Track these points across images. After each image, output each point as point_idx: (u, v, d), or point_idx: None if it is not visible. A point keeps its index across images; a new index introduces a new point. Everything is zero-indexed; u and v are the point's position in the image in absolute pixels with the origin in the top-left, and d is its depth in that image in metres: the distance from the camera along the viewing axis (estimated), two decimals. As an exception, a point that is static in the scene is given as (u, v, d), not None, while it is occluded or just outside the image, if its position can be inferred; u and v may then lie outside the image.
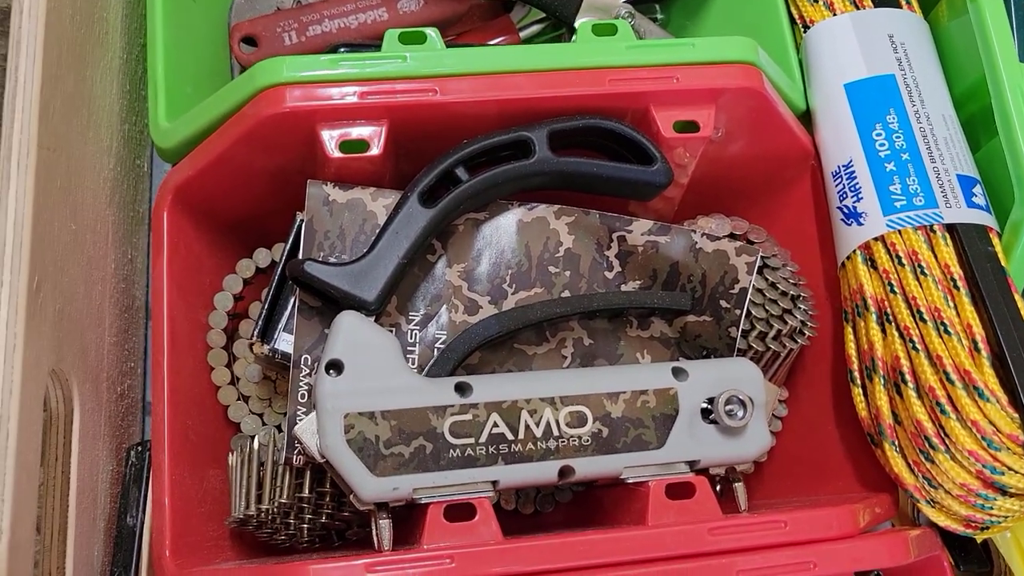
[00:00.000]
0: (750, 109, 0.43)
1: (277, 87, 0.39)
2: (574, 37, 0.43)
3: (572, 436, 0.37)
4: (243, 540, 0.43)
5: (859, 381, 0.43)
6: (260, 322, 0.39)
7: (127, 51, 0.48)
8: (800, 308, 0.44)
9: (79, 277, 0.39)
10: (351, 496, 0.35)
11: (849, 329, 0.44)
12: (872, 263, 0.43)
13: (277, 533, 0.41)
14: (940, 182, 0.43)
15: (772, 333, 0.43)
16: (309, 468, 0.39)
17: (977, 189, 0.44)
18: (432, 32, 0.41)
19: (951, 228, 0.42)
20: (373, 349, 0.36)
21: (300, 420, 0.38)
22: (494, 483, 0.36)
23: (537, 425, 0.37)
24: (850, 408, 0.45)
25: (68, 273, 0.38)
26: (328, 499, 0.40)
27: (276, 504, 0.39)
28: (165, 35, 0.46)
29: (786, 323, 0.44)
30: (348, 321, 0.36)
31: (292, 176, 0.43)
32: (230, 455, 0.42)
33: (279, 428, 0.43)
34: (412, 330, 0.40)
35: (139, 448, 0.42)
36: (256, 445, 0.40)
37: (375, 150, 0.39)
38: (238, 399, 0.43)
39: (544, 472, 0.36)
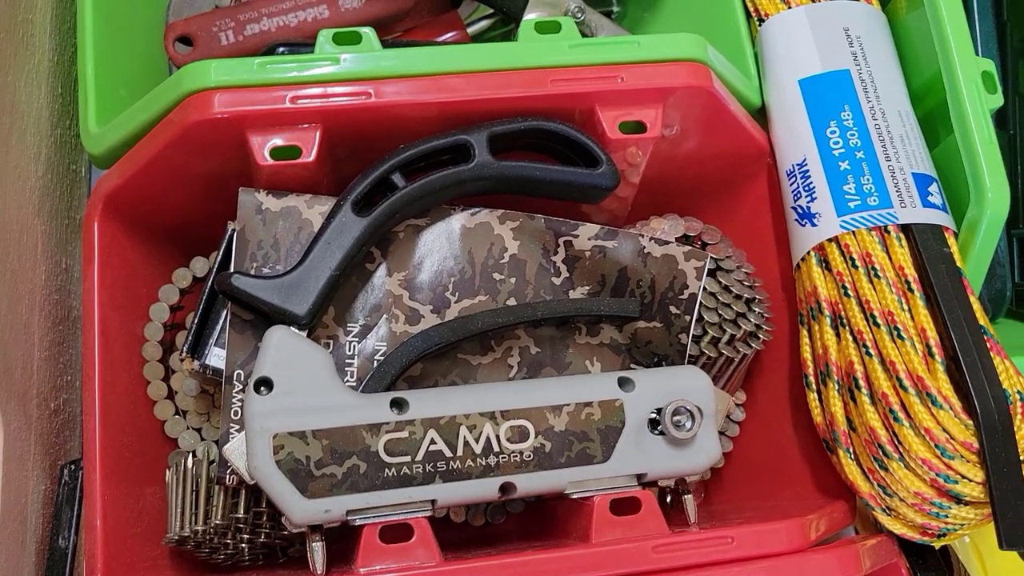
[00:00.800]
0: (700, 107, 0.42)
1: (204, 91, 0.37)
2: (515, 35, 0.42)
3: (513, 452, 0.36)
4: (183, 560, 0.42)
5: (814, 386, 0.42)
6: (190, 337, 0.38)
7: (58, 52, 0.46)
8: (755, 311, 0.43)
9: (1, 294, 0.38)
10: (283, 518, 0.34)
11: (804, 332, 0.43)
12: (826, 265, 0.42)
13: (216, 552, 0.40)
14: (895, 181, 0.42)
15: (725, 338, 0.42)
16: (244, 487, 0.38)
17: (933, 188, 0.42)
18: (368, 32, 0.40)
19: (906, 228, 0.41)
20: (304, 365, 0.35)
21: (232, 439, 0.37)
22: (432, 502, 0.35)
23: (476, 441, 0.35)
24: (808, 412, 0.44)
25: (-11, 290, 0.36)
26: (265, 518, 0.38)
27: (212, 525, 0.38)
28: (96, 35, 0.44)
29: (740, 327, 0.42)
30: (278, 337, 0.35)
31: (228, 181, 0.41)
32: (167, 472, 0.41)
33: (218, 444, 0.42)
34: (351, 342, 0.39)
35: (72, 467, 0.41)
36: (191, 462, 0.39)
37: (308, 156, 0.38)
38: (175, 414, 0.42)
39: (484, 489, 0.35)
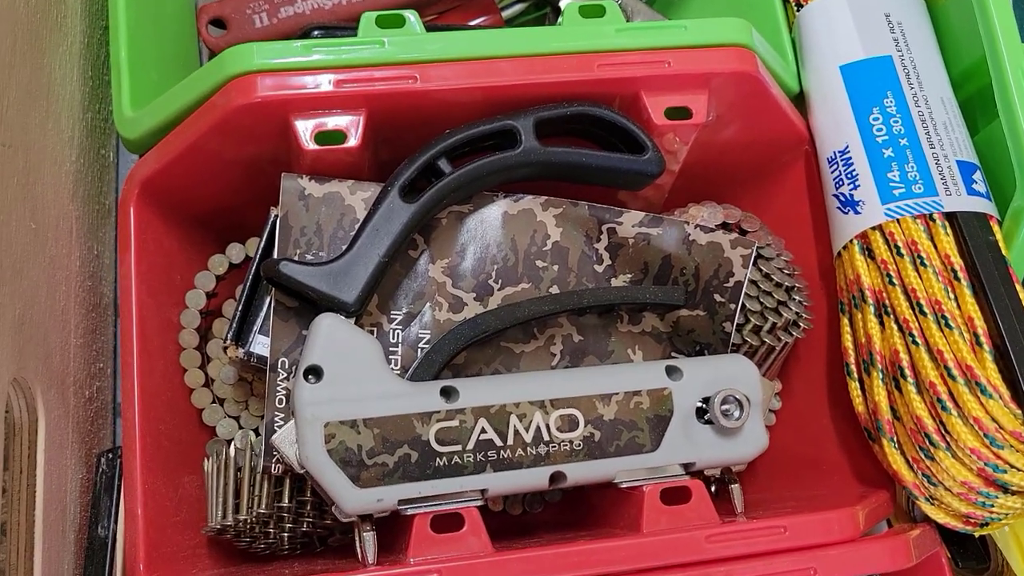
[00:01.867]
0: (744, 93, 0.41)
1: (248, 75, 0.37)
2: (560, 19, 0.41)
3: (563, 441, 0.35)
4: (221, 548, 0.42)
5: (856, 375, 0.42)
6: (234, 324, 0.37)
7: (88, 35, 0.46)
8: (795, 300, 0.43)
9: (41, 279, 0.37)
10: (333, 508, 0.34)
11: (845, 321, 0.43)
12: (870, 253, 0.42)
13: (256, 542, 0.40)
14: (940, 169, 0.42)
15: (767, 326, 0.42)
16: (288, 476, 0.37)
17: (977, 175, 0.42)
18: (411, 15, 0.39)
19: (951, 216, 0.41)
20: (354, 353, 0.34)
21: (278, 427, 0.37)
22: (483, 491, 0.35)
23: (527, 430, 0.35)
24: (846, 401, 0.44)
25: (28, 276, 0.36)
26: (309, 507, 0.38)
27: (254, 514, 0.37)
28: (128, 17, 0.43)
29: (781, 316, 0.42)
30: (327, 324, 0.34)
31: (266, 167, 0.41)
32: (205, 461, 0.40)
33: (256, 432, 0.41)
34: (394, 329, 0.38)
35: (110, 455, 0.40)
36: (232, 451, 0.38)
37: (352, 141, 0.37)
38: (213, 402, 0.42)
39: (534, 479, 0.35)
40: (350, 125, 0.37)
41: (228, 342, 0.37)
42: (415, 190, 0.37)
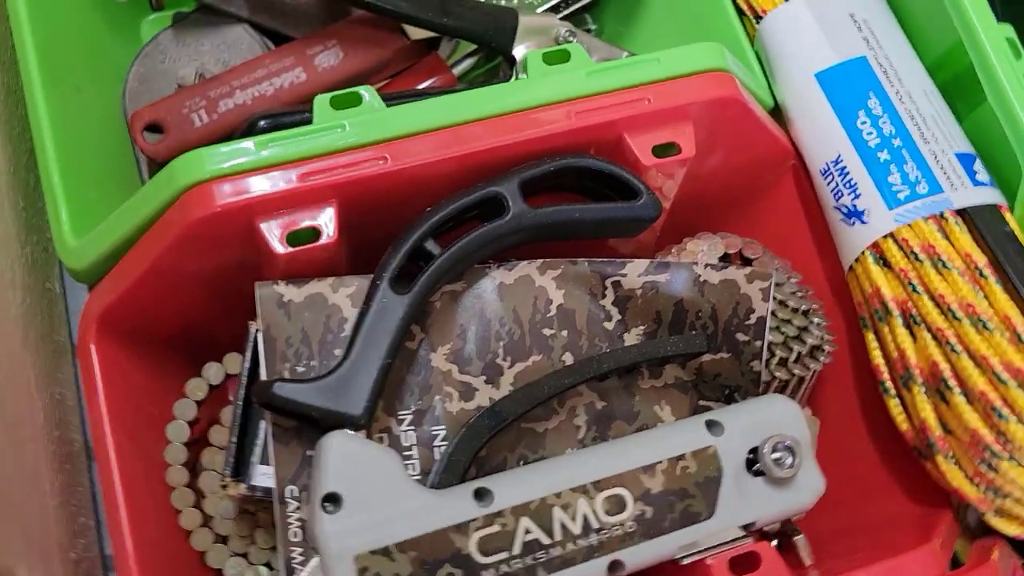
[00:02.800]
0: (728, 118, 0.39)
1: (202, 184, 0.33)
2: (522, 71, 0.39)
3: (614, 525, 0.32)
4: None
5: (893, 392, 0.39)
6: (231, 458, 0.33)
7: (13, 161, 0.42)
8: (814, 323, 0.41)
9: (5, 446, 0.33)
10: (377, 648, 0.30)
11: (871, 336, 0.40)
12: (885, 262, 0.39)
13: None
14: (939, 164, 0.40)
15: (793, 357, 0.40)
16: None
17: (977, 165, 0.40)
18: (365, 92, 0.36)
19: (961, 212, 0.39)
20: (371, 471, 0.31)
21: (297, 565, 0.33)
22: (538, 599, 0.31)
23: (573, 520, 0.32)
24: (884, 420, 0.42)
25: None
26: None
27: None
28: (54, 136, 0.40)
29: (804, 343, 0.40)
30: (337, 444, 0.31)
31: (234, 275, 0.37)
32: (217, 609, 0.36)
33: (269, 566, 0.38)
34: (406, 432, 0.35)
35: (109, 624, 0.36)
36: (249, 597, 0.34)
37: (327, 237, 0.34)
38: (215, 541, 0.38)
39: (592, 573, 0.32)
40: (322, 220, 0.34)
41: (227, 479, 0.33)
42: (405, 278, 0.34)
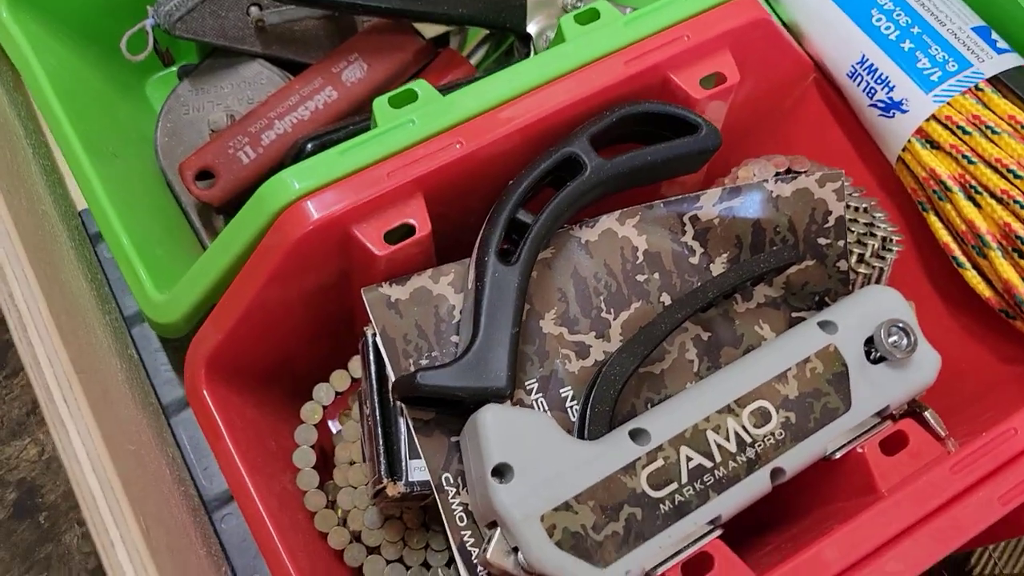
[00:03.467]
0: (758, 40, 0.40)
1: (294, 203, 0.34)
2: (539, 44, 0.40)
3: (766, 435, 0.33)
4: None
5: (968, 264, 0.41)
6: (382, 460, 0.34)
7: (71, 235, 0.42)
8: (877, 216, 0.42)
9: (160, 501, 0.33)
10: (577, 602, 0.31)
11: (933, 218, 0.42)
12: (934, 144, 0.41)
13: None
14: (960, 41, 0.41)
15: (868, 252, 0.41)
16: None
17: (994, 35, 0.42)
18: (418, 87, 0.37)
19: (993, 80, 0.41)
20: (530, 435, 0.31)
21: (472, 547, 0.33)
22: (715, 520, 0.32)
23: (727, 440, 0.33)
24: (956, 297, 0.43)
25: (152, 501, 0.32)
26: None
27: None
28: (111, 201, 0.40)
29: (875, 236, 0.41)
30: (491, 417, 0.31)
31: (323, 295, 0.38)
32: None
33: (425, 565, 0.38)
34: (536, 399, 0.36)
35: (289, 655, 0.36)
36: (426, 594, 0.35)
37: (423, 230, 0.35)
38: (368, 555, 0.38)
39: (757, 485, 0.33)
40: (414, 214, 0.35)
41: (384, 480, 0.34)
42: (506, 251, 0.35)
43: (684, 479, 0.32)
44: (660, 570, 0.31)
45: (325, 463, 0.40)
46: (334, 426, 0.43)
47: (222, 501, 0.44)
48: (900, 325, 0.35)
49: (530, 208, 0.36)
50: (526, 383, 0.36)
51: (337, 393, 0.40)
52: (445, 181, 0.36)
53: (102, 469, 0.26)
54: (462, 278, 0.36)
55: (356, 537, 0.38)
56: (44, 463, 0.48)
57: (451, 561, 0.38)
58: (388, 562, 0.38)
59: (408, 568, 0.38)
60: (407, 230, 0.35)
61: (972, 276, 0.41)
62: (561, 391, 0.36)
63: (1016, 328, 0.41)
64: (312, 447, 0.39)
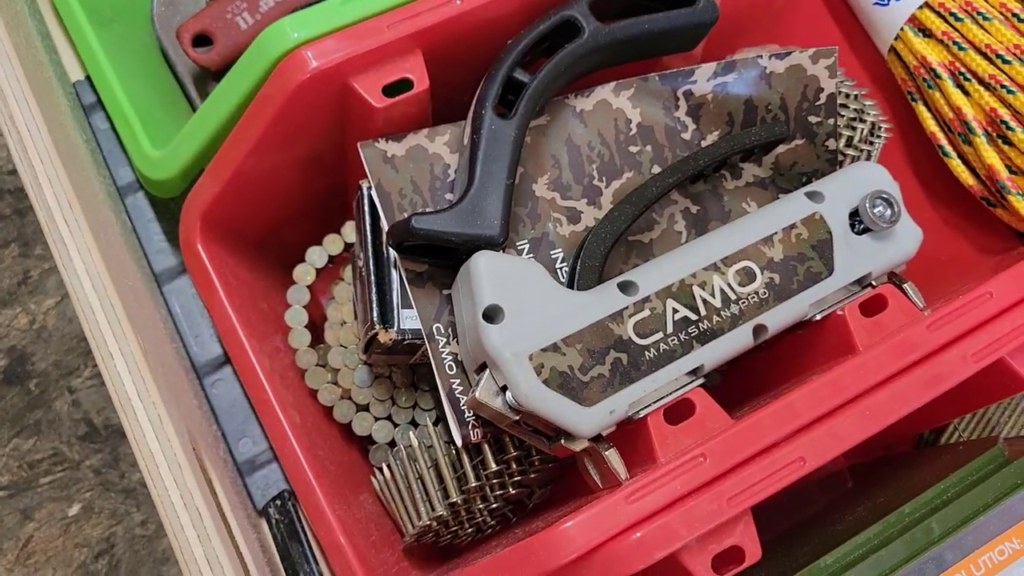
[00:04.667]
0: (757, -80, 0.41)
1: (293, 51, 0.34)
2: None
3: (750, 293, 0.34)
4: (420, 557, 0.39)
5: (953, 152, 0.42)
6: (375, 307, 0.34)
7: (69, 97, 0.42)
8: (866, 104, 0.43)
9: (152, 335, 0.34)
10: (561, 441, 0.32)
11: (921, 107, 0.43)
12: (926, 33, 0.42)
13: (461, 528, 0.37)
14: (958, -70, 0.42)
15: (857, 136, 0.42)
16: (486, 441, 0.35)
17: (991, -74, 0.43)
18: (419, -55, 0.37)
19: (987, -31, 0.41)
20: (522, 281, 0.32)
21: (460, 392, 0.34)
22: (697, 370, 0.33)
23: (712, 296, 0.34)
24: (936, 187, 0.44)
25: (148, 332, 0.32)
26: (515, 465, 0.36)
27: (461, 493, 0.35)
28: (111, 63, 0.40)
29: (865, 121, 0.42)
30: (485, 263, 0.32)
31: (319, 159, 0.38)
32: (378, 472, 0.38)
33: (413, 423, 0.39)
34: (527, 259, 0.36)
35: (278, 502, 0.37)
36: (415, 442, 0.36)
37: (421, 85, 0.35)
38: (357, 411, 0.39)
39: (740, 339, 0.34)
40: (412, 68, 0.35)
41: (377, 327, 0.34)
42: (503, 109, 0.35)
43: (670, 329, 0.33)
44: (643, 412, 0.32)
45: (315, 335, 0.41)
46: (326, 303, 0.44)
47: (213, 367, 0.44)
48: (884, 196, 0.36)
49: (530, 71, 0.36)
50: (518, 243, 0.36)
51: (330, 257, 0.40)
52: (444, 38, 0.36)
53: (101, 287, 0.27)
54: (457, 139, 0.37)
55: (346, 395, 0.39)
56: (35, 332, 0.48)
57: (439, 420, 0.39)
58: (376, 419, 0.39)
59: (396, 426, 0.39)
60: (406, 85, 0.35)
61: (956, 164, 0.42)
62: (551, 253, 0.37)
63: (996, 216, 0.42)
64: (304, 308, 0.40)
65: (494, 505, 0.36)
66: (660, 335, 0.33)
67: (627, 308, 0.33)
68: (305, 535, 0.36)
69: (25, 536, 0.45)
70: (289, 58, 0.34)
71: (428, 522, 0.36)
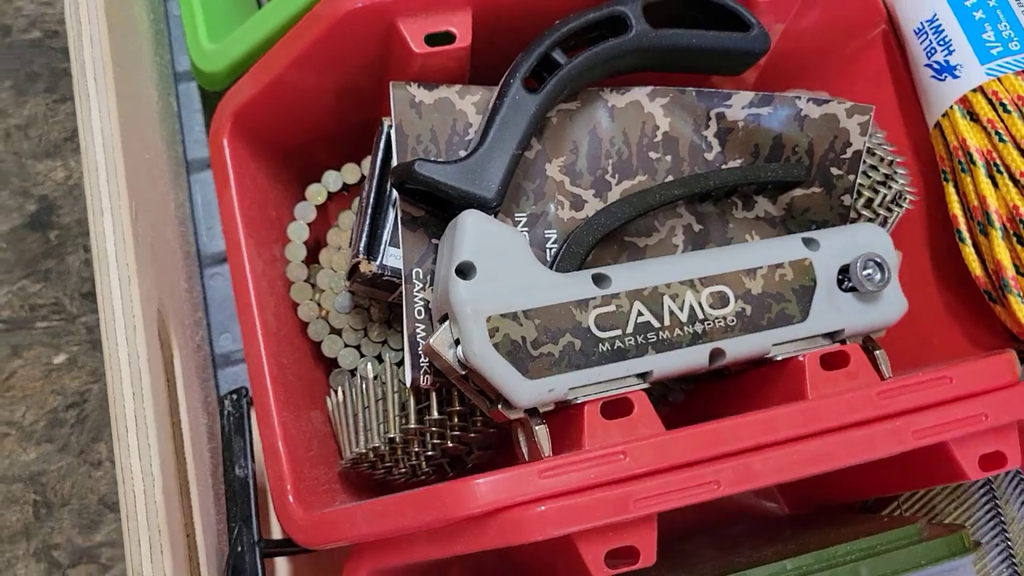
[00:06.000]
0: (833, -33, 0.41)
1: (350, -20, 0.35)
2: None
3: (717, 317, 0.35)
4: (353, 483, 0.41)
5: (969, 240, 0.42)
6: (364, 238, 0.36)
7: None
8: (898, 172, 0.43)
9: (158, 212, 0.36)
10: (499, 407, 0.33)
11: (951, 188, 0.43)
12: (973, 116, 0.42)
13: (396, 467, 0.39)
14: (1032, 25, 0.42)
15: (878, 200, 0.42)
16: (435, 389, 0.36)
17: (1068, 29, 0.42)
18: (498, -87, 0.38)
19: (1050, 70, 0.41)
20: (502, 247, 0.33)
21: (421, 339, 0.36)
22: (647, 374, 0.34)
23: (681, 309, 0.34)
24: (948, 272, 0.44)
25: (151, 205, 0.34)
26: (456, 419, 0.37)
27: (401, 432, 0.36)
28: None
29: (890, 188, 0.42)
30: (472, 221, 0.33)
31: (356, 91, 0.40)
32: (333, 393, 0.39)
33: (379, 358, 0.40)
34: (521, 232, 0.37)
35: (235, 396, 0.39)
36: (371, 374, 0.37)
37: (463, 41, 0.36)
38: (330, 333, 0.40)
39: (695, 357, 0.34)
40: (458, 24, 0.36)
41: (360, 256, 0.36)
42: (533, 83, 0.36)
43: (629, 329, 0.34)
44: (581, 399, 0.33)
45: (313, 255, 0.42)
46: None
47: (215, 260, 0.47)
48: (877, 260, 0.36)
49: (570, 55, 0.37)
50: (516, 214, 0.38)
51: (345, 185, 0.42)
52: (496, 4, 0.37)
53: (111, 149, 0.29)
54: (486, 102, 0.38)
55: (324, 316, 0.40)
56: (68, 187, 0.50)
57: (401, 363, 0.40)
58: (346, 345, 0.40)
59: (362, 356, 0.40)
60: (448, 37, 0.36)
61: (969, 252, 0.42)
62: (546, 232, 0.38)
63: (995, 313, 0.42)
64: (308, 225, 0.41)
65: (430, 452, 0.38)
66: (619, 332, 0.34)
67: (594, 299, 0.34)
68: (250, 432, 0.38)
69: (10, 370, 0.47)
70: (345, -14, 0.35)
71: (364, 450, 0.37)
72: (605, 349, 0.33)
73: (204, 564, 0.33)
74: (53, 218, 0.50)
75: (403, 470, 0.39)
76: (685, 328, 0.34)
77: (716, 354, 0.35)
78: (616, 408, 0.33)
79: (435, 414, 0.36)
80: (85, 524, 0.47)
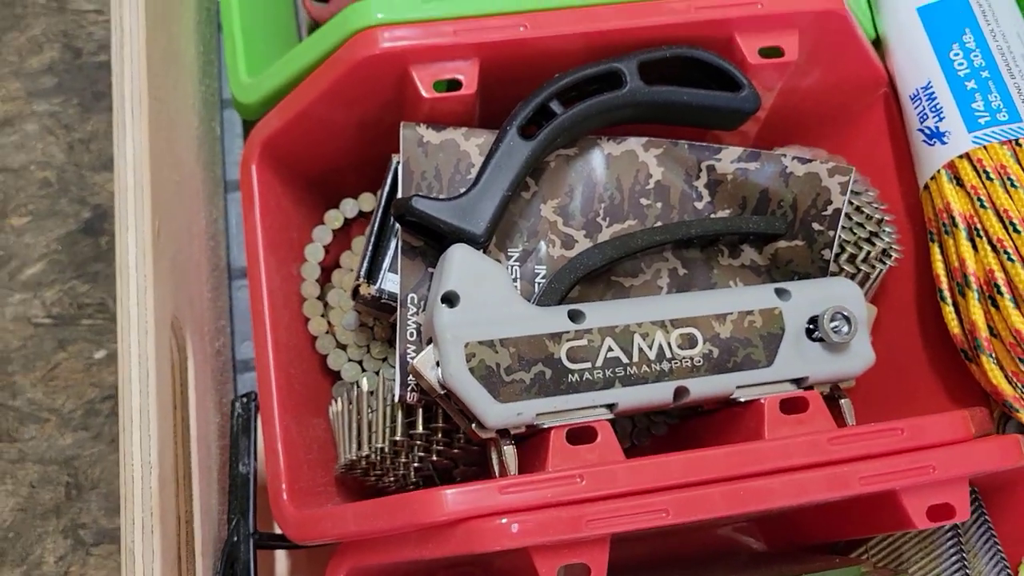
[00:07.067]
0: (830, 32, 0.43)
1: (369, 29, 0.39)
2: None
3: (684, 357, 0.37)
4: (348, 487, 0.44)
5: (950, 299, 0.43)
6: (365, 263, 0.39)
7: (199, 12, 0.48)
8: (885, 231, 0.45)
9: (183, 228, 0.39)
10: (472, 426, 0.36)
11: (936, 249, 0.44)
12: (958, 181, 0.43)
13: (386, 475, 0.42)
14: (1022, 96, 0.43)
15: (861, 256, 0.44)
16: (421, 406, 0.40)
17: (1058, 102, 0.44)
18: (510, -28, 0.41)
19: (1035, 141, 0.43)
20: (486, 280, 0.36)
21: (411, 358, 0.39)
22: (612, 406, 0.36)
23: (650, 348, 0.37)
24: (934, 329, 0.46)
25: (176, 222, 0.38)
26: (440, 435, 0.40)
27: (389, 443, 0.39)
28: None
29: (874, 245, 0.44)
30: (460, 254, 0.37)
31: (376, 125, 0.43)
32: (333, 403, 0.43)
33: (378, 373, 0.44)
34: (512, 266, 0.40)
35: (245, 400, 0.43)
36: (365, 388, 0.41)
37: (469, 89, 0.40)
38: (336, 347, 0.44)
39: (660, 393, 0.37)
40: (465, 72, 0.40)
41: (361, 279, 0.39)
42: (529, 131, 0.39)
43: (599, 363, 0.36)
44: (547, 424, 0.36)
45: (327, 276, 0.46)
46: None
47: (243, 274, 0.51)
48: (845, 313, 0.39)
49: (568, 106, 0.40)
50: (509, 249, 0.41)
51: (362, 212, 0.45)
52: (502, 56, 0.40)
53: (141, 167, 0.32)
54: (489, 145, 0.41)
55: (331, 332, 0.44)
56: (120, 198, 0.55)
57: (401, 379, 0.43)
58: (350, 360, 0.44)
59: (364, 371, 0.44)
60: (456, 84, 0.40)
61: (949, 311, 0.43)
62: (536, 268, 0.41)
63: (970, 372, 0.43)
64: (324, 247, 0.45)
65: (416, 464, 0.41)
66: (588, 365, 0.36)
67: (568, 332, 0.36)
68: (255, 433, 0.42)
69: (55, 362, 0.52)
70: (365, 33, 0.39)
71: (355, 457, 0.40)
72: (574, 380, 0.36)
73: (200, 549, 0.36)
74: (105, 225, 0.55)
75: (392, 479, 0.42)
76: (652, 365, 0.37)
77: (681, 392, 0.37)
78: (582, 435, 0.36)
79: (419, 429, 0.39)
80: (110, 507, 0.51)
